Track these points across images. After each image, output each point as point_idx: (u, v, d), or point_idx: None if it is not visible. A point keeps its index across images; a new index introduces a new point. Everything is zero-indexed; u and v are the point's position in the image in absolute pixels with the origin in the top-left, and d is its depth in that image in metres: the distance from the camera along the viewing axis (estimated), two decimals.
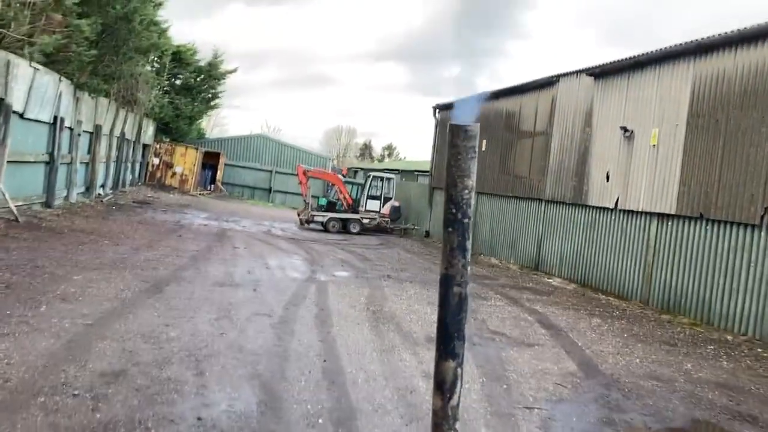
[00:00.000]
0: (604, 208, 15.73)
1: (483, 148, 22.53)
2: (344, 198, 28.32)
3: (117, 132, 28.67)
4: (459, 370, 1.20)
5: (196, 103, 39.90)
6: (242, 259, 14.92)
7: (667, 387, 7.88)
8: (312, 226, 27.04)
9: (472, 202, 1.18)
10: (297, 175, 28.91)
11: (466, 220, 1.15)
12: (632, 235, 14.59)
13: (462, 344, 1.19)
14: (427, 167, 47.28)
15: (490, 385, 7.14)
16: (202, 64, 40.48)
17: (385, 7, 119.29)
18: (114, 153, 29.08)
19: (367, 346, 8.22)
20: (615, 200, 15.25)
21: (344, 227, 26.80)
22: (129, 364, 6.30)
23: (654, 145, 13.99)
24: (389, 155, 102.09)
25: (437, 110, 27.26)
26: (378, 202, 28.55)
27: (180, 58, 38.41)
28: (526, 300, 13.44)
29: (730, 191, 11.82)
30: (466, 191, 1.14)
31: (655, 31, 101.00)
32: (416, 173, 48.15)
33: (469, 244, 1.16)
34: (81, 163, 22.66)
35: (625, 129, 14.93)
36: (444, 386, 1.17)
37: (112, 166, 29.29)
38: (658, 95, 14.07)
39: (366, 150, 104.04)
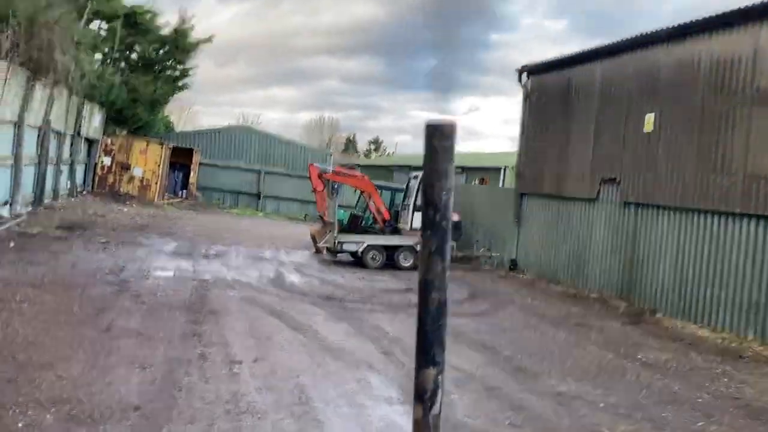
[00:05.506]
0: None
1: (649, 128, 13.12)
2: (379, 211, 18.73)
3: (34, 120, 18.76)
4: (440, 377, 1.16)
5: (158, 83, 29.82)
6: None
7: None
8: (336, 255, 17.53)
9: (451, 203, 1.15)
10: (309, 179, 19.24)
11: (444, 223, 1.15)
12: None
13: (442, 352, 1.14)
14: (464, 162, 35.85)
15: None
16: (165, 32, 30.42)
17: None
18: (31, 151, 19.19)
19: None
20: None
21: (389, 259, 17.26)
22: None
23: None
24: (376, 150, 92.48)
25: (527, 74, 17.77)
26: None
27: (135, 22, 28.41)
28: None
29: None
30: (444, 193, 1.15)
31: None
32: None
33: (448, 248, 1.15)
34: None
35: None
36: (425, 395, 1.14)
37: (30, 171, 19.39)
38: None
39: (350, 144, 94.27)
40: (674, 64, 12.60)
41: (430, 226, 1.12)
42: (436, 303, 1.12)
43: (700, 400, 7.36)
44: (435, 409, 1.12)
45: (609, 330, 11.09)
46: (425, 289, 1.12)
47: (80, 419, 5.21)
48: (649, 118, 13.11)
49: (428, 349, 1.14)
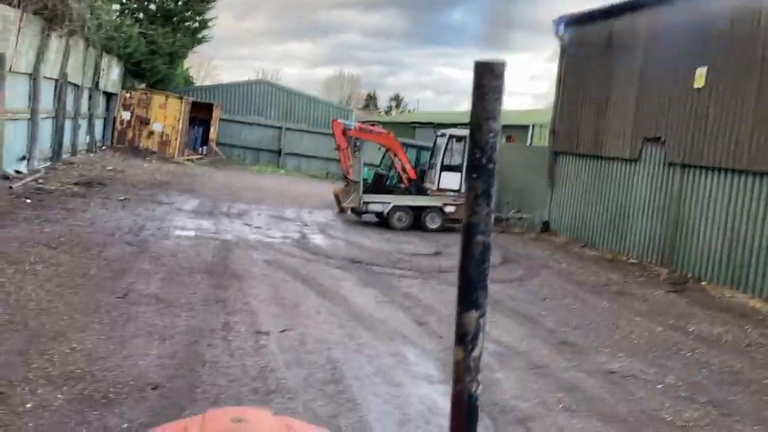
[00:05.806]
0: None
1: (699, 84, 12.21)
2: (404, 170, 18.02)
3: (50, 72, 18.19)
4: (482, 320, 1.14)
5: (178, 35, 29.02)
6: None
7: None
8: (357, 216, 16.99)
9: (497, 146, 1.12)
10: (333, 135, 18.55)
11: (491, 165, 1.13)
12: None
13: (485, 295, 1.13)
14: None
15: None
16: None
17: None
18: (48, 104, 18.68)
19: None
20: None
21: (415, 219, 16.65)
22: None
23: None
24: (397, 107, 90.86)
25: (564, 26, 16.76)
26: (458, 175, 18.10)
27: None
28: None
29: None
30: (492, 134, 1.12)
31: None
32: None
33: (493, 191, 1.13)
34: None
35: None
36: (466, 338, 1.12)
37: (47, 125, 18.92)
38: None
39: (370, 101, 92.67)
40: (730, 13, 11.62)
41: (476, 168, 1.09)
42: (481, 246, 1.10)
43: (766, 381, 6.75)
44: (476, 352, 1.13)
45: (653, 299, 10.46)
46: (470, 232, 1.10)
47: (94, 399, 4.74)
48: (700, 73, 12.20)
49: (471, 291, 1.12)
